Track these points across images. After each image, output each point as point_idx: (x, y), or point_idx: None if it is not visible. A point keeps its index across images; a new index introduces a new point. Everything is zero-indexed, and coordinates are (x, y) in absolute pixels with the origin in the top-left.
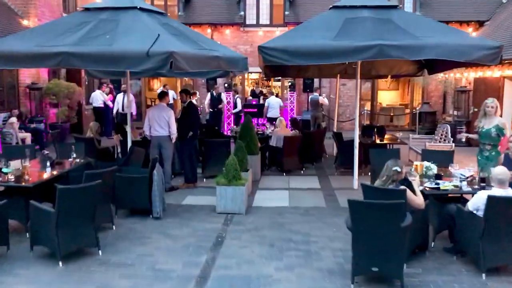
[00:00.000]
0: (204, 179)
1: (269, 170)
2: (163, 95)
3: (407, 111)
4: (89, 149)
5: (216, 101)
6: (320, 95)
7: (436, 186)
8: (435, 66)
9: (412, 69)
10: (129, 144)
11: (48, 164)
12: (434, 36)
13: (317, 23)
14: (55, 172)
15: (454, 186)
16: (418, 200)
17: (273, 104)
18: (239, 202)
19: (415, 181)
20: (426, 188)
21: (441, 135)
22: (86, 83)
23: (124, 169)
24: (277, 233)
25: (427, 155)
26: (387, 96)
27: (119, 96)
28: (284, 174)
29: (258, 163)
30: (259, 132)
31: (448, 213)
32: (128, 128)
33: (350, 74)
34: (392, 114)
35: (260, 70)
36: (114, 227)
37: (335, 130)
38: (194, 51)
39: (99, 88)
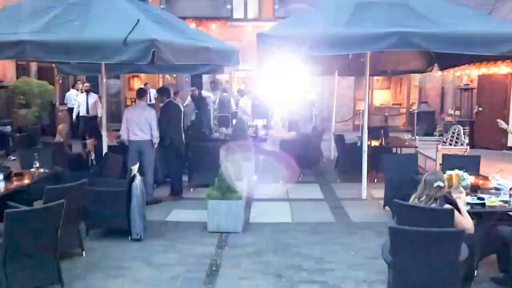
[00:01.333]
0: (191, 189)
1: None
2: (142, 92)
3: (403, 111)
4: (58, 155)
5: (198, 100)
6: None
7: (480, 202)
8: (447, 60)
9: (421, 64)
10: (105, 150)
11: (1, 176)
12: (460, 23)
13: (323, 9)
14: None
15: (503, 202)
16: (466, 222)
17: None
18: (235, 219)
19: (461, 198)
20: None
21: (452, 136)
22: (60, 81)
23: (97, 181)
24: (283, 258)
25: (449, 161)
26: (379, 96)
27: (81, 97)
28: (281, 181)
29: (252, 170)
30: (251, 135)
31: (500, 236)
32: (103, 131)
33: (352, 69)
34: (386, 114)
35: (248, 69)
36: (84, 253)
37: (332, 131)
38: (180, 41)
39: (73, 87)
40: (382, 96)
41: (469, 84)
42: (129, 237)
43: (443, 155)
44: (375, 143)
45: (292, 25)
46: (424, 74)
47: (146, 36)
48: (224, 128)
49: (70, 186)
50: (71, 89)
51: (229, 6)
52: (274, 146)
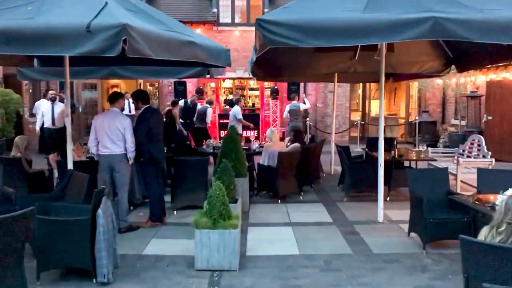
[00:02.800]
0: (175, 211)
1: (258, 196)
2: (116, 96)
3: (401, 121)
4: (14, 173)
5: (189, 110)
6: (302, 101)
7: None
8: (467, 61)
9: (436, 66)
10: (70, 166)
11: None
12: (499, 9)
13: None
14: None
15: None
16: None
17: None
18: (229, 254)
19: None
20: None
21: (470, 147)
22: (31, 90)
23: (54, 207)
24: None
25: (487, 177)
26: (372, 106)
27: (46, 106)
28: (279, 201)
29: (246, 188)
30: (244, 148)
31: None
32: (68, 144)
33: (358, 73)
34: (385, 124)
35: (236, 76)
36: None
37: (333, 142)
38: (159, 31)
39: (44, 96)
40: (375, 106)
41: (476, 91)
42: (94, 280)
43: (479, 170)
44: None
45: (297, 11)
46: (424, 81)
47: (115, 21)
48: (211, 140)
49: (7, 218)
50: (42, 99)
51: (215, 10)
52: (270, 160)
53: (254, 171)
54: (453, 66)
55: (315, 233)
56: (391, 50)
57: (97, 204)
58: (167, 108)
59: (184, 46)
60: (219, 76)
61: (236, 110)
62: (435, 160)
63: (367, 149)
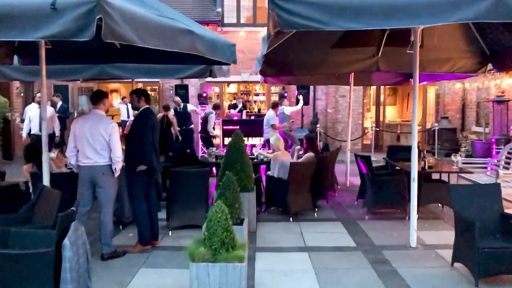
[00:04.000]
0: (170, 232)
1: (267, 212)
2: (99, 96)
3: (418, 128)
4: None
5: (182, 116)
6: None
7: None
8: (509, 58)
9: (470, 64)
10: (45, 179)
11: None
12: None
13: None
14: None
15: None
16: None
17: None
18: None
19: None
20: None
21: (508, 158)
22: (22, 94)
23: (14, 233)
24: None
25: None
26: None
27: (33, 110)
28: (291, 219)
29: (253, 204)
30: (250, 157)
31: None
32: (44, 154)
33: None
34: (398, 131)
35: (241, 79)
36: None
37: (348, 150)
38: (148, 15)
39: (34, 100)
40: (389, 112)
41: (503, 95)
42: None
43: None
44: (399, 165)
45: None
46: (442, 84)
47: None
48: (214, 148)
49: None
50: (33, 103)
51: (219, 10)
52: (280, 171)
53: (262, 184)
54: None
55: (337, 261)
56: (420, 45)
57: (63, 231)
58: (161, 114)
59: (181, 35)
60: (223, 79)
61: (271, 115)
62: (470, 172)
63: (388, 159)
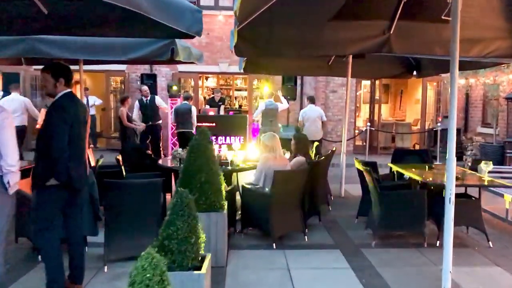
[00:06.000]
0: (106, 266)
1: (242, 234)
2: None
3: (414, 128)
4: None
5: (149, 110)
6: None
7: None
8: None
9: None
10: None
11: None
12: None
13: None
14: None
15: None
16: None
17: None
18: None
19: None
20: None
21: None
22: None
23: None
24: None
25: None
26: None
27: None
28: (275, 245)
29: (223, 227)
30: (221, 162)
31: None
32: None
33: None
34: (394, 131)
35: (219, 70)
36: None
37: (344, 155)
38: None
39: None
40: (383, 110)
41: None
42: None
43: None
44: (417, 176)
45: None
46: (443, 82)
47: None
48: (180, 150)
49: None
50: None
51: None
52: (267, 181)
53: (239, 193)
54: None
55: None
56: (444, 20)
57: None
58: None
59: None
60: (197, 68)
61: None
62: (508, 186)
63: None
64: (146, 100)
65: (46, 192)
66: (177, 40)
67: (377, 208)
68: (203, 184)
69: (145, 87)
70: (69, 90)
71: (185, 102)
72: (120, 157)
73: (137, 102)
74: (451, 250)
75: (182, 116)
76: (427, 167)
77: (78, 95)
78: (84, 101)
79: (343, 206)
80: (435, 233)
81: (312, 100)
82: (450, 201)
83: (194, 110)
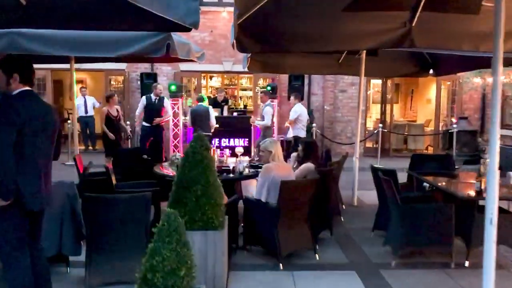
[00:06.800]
0: None
1: (245, 251)
2: None
3: (427, 129)
4: None
5: (154, 109)
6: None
7: None
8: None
9: None
10: None
11: None
12: None
13: None
14: None
15: None
16: None
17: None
18: None
19: None
20: None
21: None
22: None
23: None
24: None
25: None
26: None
27: None
28: (281, 265)
29: (221, 248)
30: (223, 168)
31: None
32: None
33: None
34: (407, 133)
35: (223, 69)
36: None
37: (356, 159)
38: None
39: None
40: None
41: None
42: None
43: None
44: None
45: None
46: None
47: None
48: (179, 154)
49: None
50: None
51: None
52: (271, 192)
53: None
54: None
55: None
56: (474, 11)
57: None
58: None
59: None
60: (200, 67)
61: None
62: None
63: (410, 171)
64: (155, 99)
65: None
66: (175, 36)
67: (398, 223)
68: (199, 198)
69: (160, 86)
70: (27, 88)
71: (201, 104)
72: (111, 163)
73: (143, 98)
74: (493, 279)
75: (200, 118)
76: (450, 175)
77: (77, 96)
78: (81, 101)
79: (357, 217)
80: (463, 251)
81: (302, 97)
82: (491, 222)
83: (212, 111)
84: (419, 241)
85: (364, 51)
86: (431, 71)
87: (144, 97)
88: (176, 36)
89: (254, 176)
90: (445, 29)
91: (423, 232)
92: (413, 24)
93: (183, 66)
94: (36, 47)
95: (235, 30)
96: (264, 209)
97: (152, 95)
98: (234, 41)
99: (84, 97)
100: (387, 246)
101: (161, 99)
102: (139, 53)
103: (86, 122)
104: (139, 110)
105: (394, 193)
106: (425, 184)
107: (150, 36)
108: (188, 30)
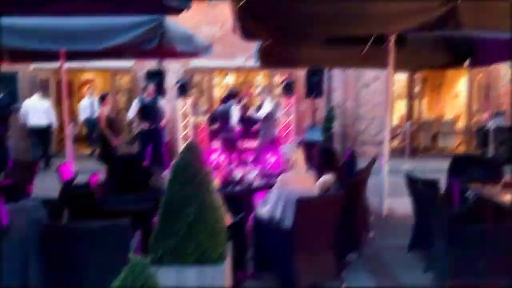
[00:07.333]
0: None
1: (255, 279)
2: None
3: (457, 126)
4: None
5: (150, 111)
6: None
7: None
8: None
9: None
10: None
11: None
12: None
13: None
14: None
15: None
16: None
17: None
18: None
19: None
20: None
21: None
22: None
23: None
24: None
25: None
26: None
27: None
28: None
29: (224, 284)
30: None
31: None
32: None
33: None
34: (436, 130)
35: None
36: None
37: (385, 165)
38: None
39: None
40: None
41: None
42: None
43: None
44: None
45: None
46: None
47: None
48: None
49: None
50: None
51: None
52: (286, 209)
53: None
54: None
55: None
56: None
57: None
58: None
59: None
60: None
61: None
62: None
63: (451, 178)
64: (149, 100)
65: None
66: (173, 27)
67: (444, 247)
68: (192, 225)
69: (151, 86)
70: None
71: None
72: (103, 172)
73: (136, 100)
74: None
75: (221, 119)
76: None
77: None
78: (87, 102)
79: (388, 231)
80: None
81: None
82: None
83: (234, 110)
84: (472, 269)
85: (392, 40)
86: (467, 62)
87: (136, 99)
88: (175, 26)
89: (266, 187)
90: (498, 5)
91: (478, 259)
92: (459, 0)
93: (194, 63)
94: (18, 42)
95: (235, 14)
96: (276, 231)
97: (144, 96)
98: (239, 28)
99: (91, 98)
100: (429, 272)
101: (154, 100)
102: (129, 44)
103: (92, 124)
104: (132, 113)
105: (442, 210)
106: (468, 193)
107: (140, 24)
108: (179, 11)
